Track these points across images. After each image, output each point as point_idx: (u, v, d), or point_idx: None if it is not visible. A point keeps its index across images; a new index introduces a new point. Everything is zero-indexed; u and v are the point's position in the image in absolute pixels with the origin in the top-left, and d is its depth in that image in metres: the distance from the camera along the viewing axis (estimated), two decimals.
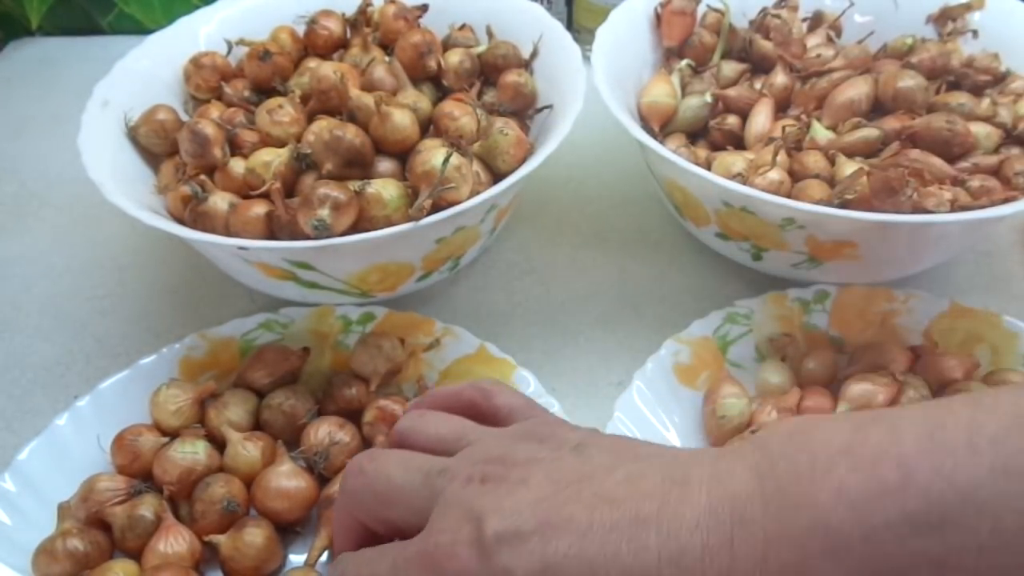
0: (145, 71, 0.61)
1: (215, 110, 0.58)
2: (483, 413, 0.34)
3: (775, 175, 0.52)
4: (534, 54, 0.62)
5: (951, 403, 0.24)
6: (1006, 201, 0.49)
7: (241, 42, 0.63)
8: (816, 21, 0.67)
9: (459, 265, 0.56)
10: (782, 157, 0.54)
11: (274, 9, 0.65)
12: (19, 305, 0.61)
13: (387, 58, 0.61)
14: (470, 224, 0.52)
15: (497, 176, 0.54)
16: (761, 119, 0.59)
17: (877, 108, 0.57)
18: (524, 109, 0.61)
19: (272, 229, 0.50)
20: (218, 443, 0.47)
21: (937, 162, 0.52)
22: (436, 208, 0.48)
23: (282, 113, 0.55)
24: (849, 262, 0.51)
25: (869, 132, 0.54)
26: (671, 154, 0.51)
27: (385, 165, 0.53)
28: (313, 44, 0.63)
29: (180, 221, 0.53)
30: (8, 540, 0.43)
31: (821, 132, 0.56)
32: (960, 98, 0.56)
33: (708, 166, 0.56)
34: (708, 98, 0.61)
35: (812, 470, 0.23)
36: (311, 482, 0.45)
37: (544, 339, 0.57)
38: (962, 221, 0.47)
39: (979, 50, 0.62)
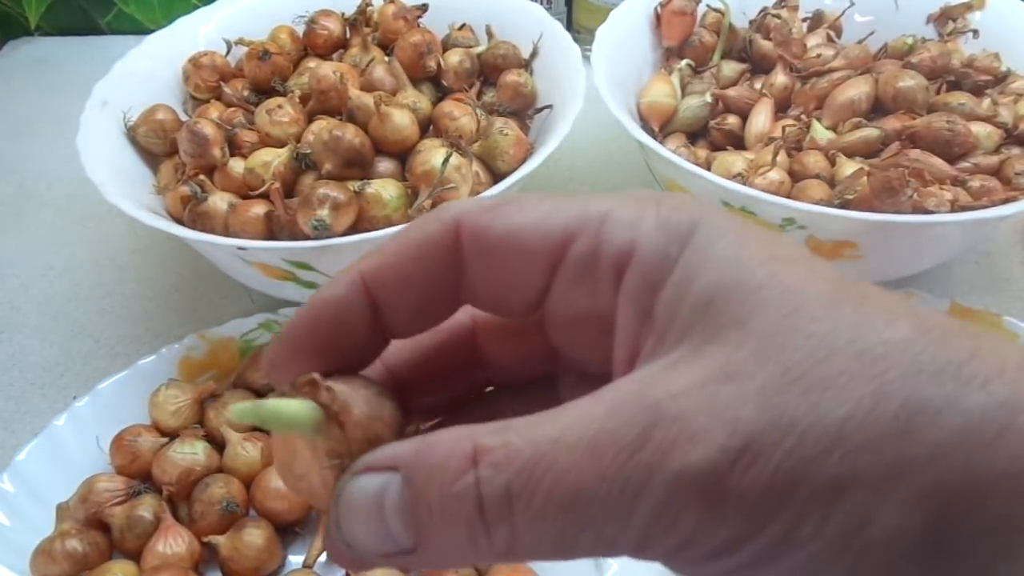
0: (144, 71, 0.61)
1: (214, 110, 0.58)
2: None
3: (775, 175, 0.52)
4: (534, 54, 0.62)
5: None
6: (1006, 201, 0.49)
7: (240, 42, 0.63)
8: (816, 21, 0.67)
9: None
10: (782, 157, 0.54)
11: (273, 9, 0.65)
12: (18, 305, 0.61)
13: (387, 58, 0.60)
14: None
15: (497, 176, 0.54)
16: (761, 119, 0.58)
17: (877, 108, 0.57)
18: (524, 109, 0.61)
19: (272, 229, 0.50)
20: (217, 443, 0.47)
21: (937, 162, 0.51)
22: (436, 208, 0.48)
23: (282, 113, 0.55)
24: (849, 262, 0.51)
25: (869, 132, 0.54)
26: (671, 154, 0.51)
27: (385, 165, 0.53)
28: (312, 44, 0.63)
29: (179, 221, 0.53)
30: (7, 541, 0.43)
31: (821, 132, 0.56)
32: (960, 98, 0.56)
33: (708, 166, 0.56)
34: (708, 98, 0.61)
35: None
36: None
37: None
38: (962, 221, 0.47)
39: (979, 50, 0.62)
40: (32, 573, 0.42)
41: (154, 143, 0.57)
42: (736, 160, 0.55)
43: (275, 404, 0.17)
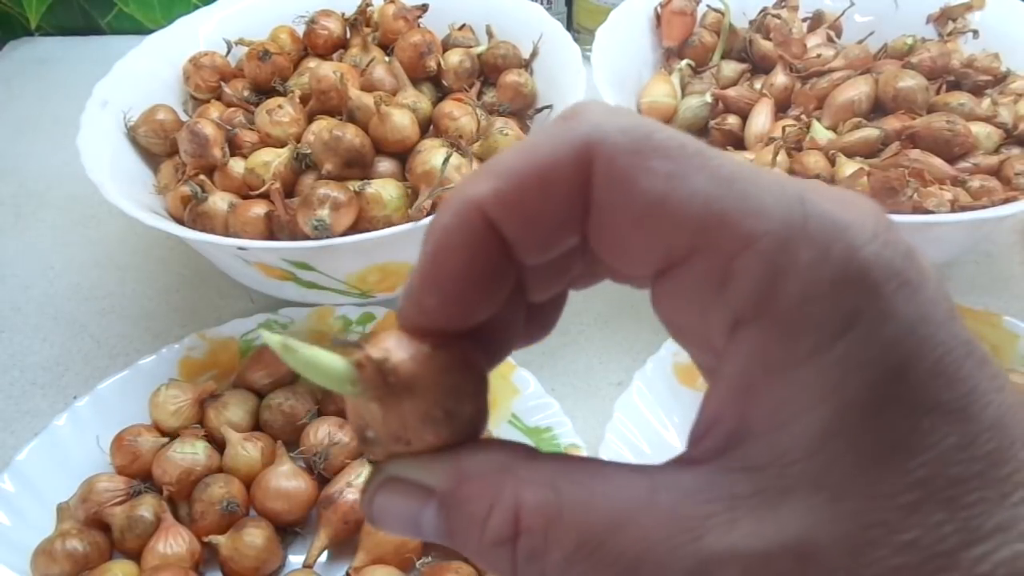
0: (145, 71, 0.61)
1: (215, 110, 0.58)
2: None
3: None
4: (534, 54, 0.62)
5: None
6: (1006, 201, 0.49)
7: (241, 42, 0.63)
8: (816, 21, 0.67)
9: None
10: (782, 157, 0.54)
11: (274, 9, 0.65)
12: (18, 305, 0.61)
13: (387, 58, 0.60)
14: None
15: None
16: (761, 119, 0.58)
17: (877, 108, 0.57)
18: (524, 109, 0.61)
19: (272, 229, 0.50)
20: (218, 443, 0.47)
21: (937, 162, 0.51)
22: (436, 208, 0.48)
23: (282, 113, 0.55)
24: None
25: (869, 132, 0.54)
26: None
27: (385, 165, 0.53)
28: (313, 44, 0.63)
29: (180, 221, 0.53)
30: (7, 541, 0.43)
31: (821, 132, 0.56)
32: (960, 98, 0.56)
33: None
34: (708, 98, 0.61)
35: None
36: (311, 482, 0.45)
37: (544, 339, 0.57)
38: (962, 221, 0.47)
39: (979, 50, 0.62)
40: (32, 573, 0.42)
41: (154, 143, 0.57)
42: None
43: (309, 351, 0.16)
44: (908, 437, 0.13)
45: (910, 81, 0.56)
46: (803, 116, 0.58)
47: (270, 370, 0.50)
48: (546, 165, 0.15)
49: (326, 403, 0.50)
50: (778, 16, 0.64)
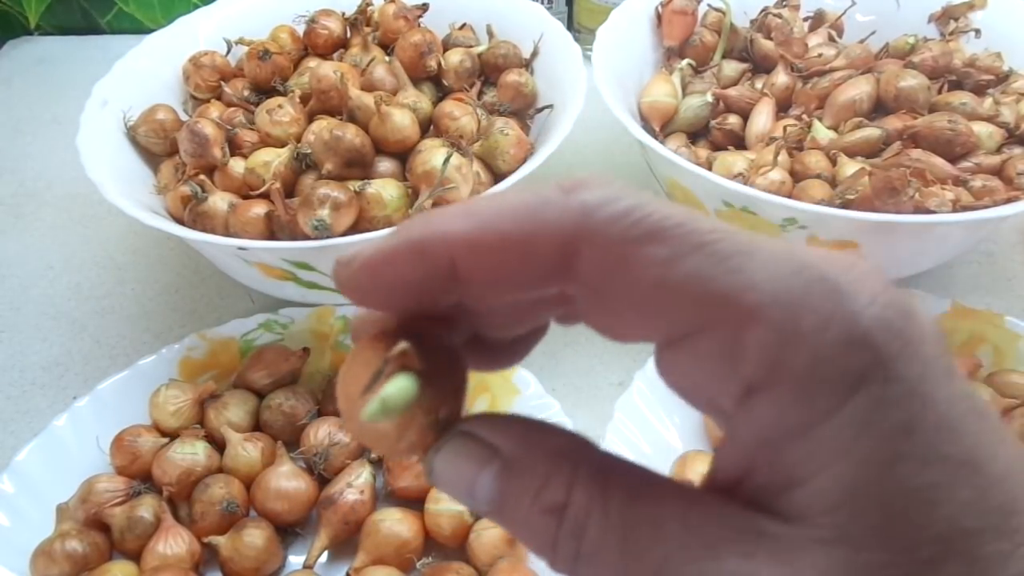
0: (145, 71, 0.61)
1: (215, 110, 0.58)
2: None
3: (776, 175, 0.52)
4: (534, 54, 0.62)
5: None
6: (1008, 201, 0.49)
7: (241, 41, 0.63)
8: (817, 20, 0.67)
9: None
10: (783, 157, 0.54)
11: (274, 9, 0.65)
12: (17, 305, 0.61)
13: (387, 58, 0.60)
14: None
15: (497, 176, 0.54)
16: (762, 119, 0.58)
17: (879, 108, 0.57)
18: (524, 109, 0.61)
19: (272, 229, 0.50)
20: (218, 444, 0.47)
21: (939, 162, 0.51)
22: (436, 208, 0.48)
23: (282, 113, 0.55)
24: None
25: (871, 132, 0.54)
26: (672, 154, 0.51)
27: (385, 165, 0.53)
28: (313, 44, 0.63)
29: (180, 221, 0.53)
30: (7, 541, 0.43)
31: (822, 132, 0.56)
32: (962, 98, 0.56)
33: (709, 166, 0.55)
34: (709, 98, 0.61)
35: None
36: (311, 483, 0.45)
37: (544, 339, 0.57)
38: (964, 221, 0.47)
39: (981, 49, 0.62)
40: (32, 573, 0.42)
41: (154, 143, 0.57)
42: (737, 160, 0.55)
43: (388, 395, 0.16)
44: (924, 492, 0.14)
45: (912, 81, 0.56)
46: (804, 116, 0.58)
47: (270, 370, 0.50)
48: (530, 231, 0.15)
49: (326, 403, 0.49)
50: (779, 15, 0.64)
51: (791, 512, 0.15)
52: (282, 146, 0.54)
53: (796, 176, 0.53)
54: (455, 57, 0.61)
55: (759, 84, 0.61)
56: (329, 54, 0.63)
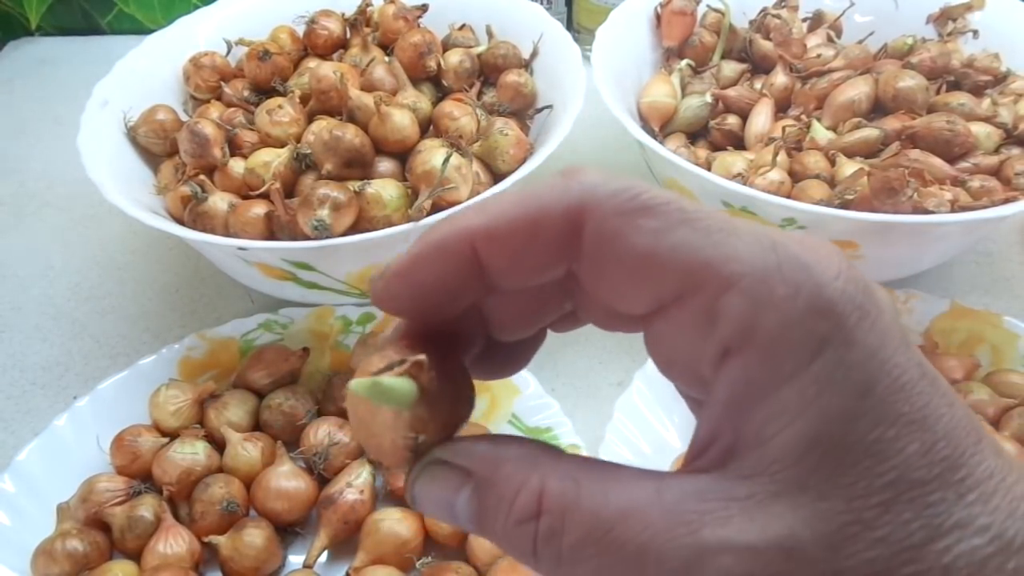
0: (145, 71, 0.61)
1: (215, 110, 0.58)
2: None
3: (775, 175, 0.52)
4: (534, 54, 0.62)
5: None
6: (1007, 201, 0.49)
7: (241, 42, 0.63)
8: (816, 21, 0.67)
9: None
10: (782, 157, 0.54)
11: (274, 9, 0.65)
12: (18, 305, 0.61)
13: (387, 58, 0.60)
14: None
15: (497, 176, 0.54)
16: (761, 119, 0.58)
17: (877, 108, 0.57)
18: (524, 109, 0.61)
19: (272, 229, 0.50)
20: (218, 444, 0.47)
21: (937, 162, 0.51)
22: (436, 208, 0.48)
23: (282, 113, 0.55)
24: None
25: (869, 132, 0.54)
26: (671, 154, 0.51)
27: (385, 165, 0.53)
28: (313, 44, 0.63)
29: (180, 221, 0.53)
30: (7, 541, 0.43)
31: (821, 132, 0.56)
32: (960, 98, 0.56)
33: (708, 166, 0.56)
34: (708, 98, 0.61)
35: None
36: (311, 482, 0.45)
37: (544, 340, 0.57)
38: (962, 221, 0.47)
39: (979, 50, 0.62)
40: (33, 573, 0.42)
41: (154, 143, 0.57)
42: (736, 160, 0.55)
43: (386, 383, 0.17)
44: (877, 445, 0.15)
45: (910, 81, 0.56)
46: (803, 116, 0.58)
47: (270, 370, 0.50)
48: (538, 214, 0.17)
49: (326, 403, 0.50)
50: (778, 16, 0.64)
51: (758, 470, 0.16)
52: (282, 146, 0.54)
53: (795, 176, 0.53)
54: (455, 57, 0.61)
55: (758, 84, 0.61)
56: (329, 54, 0.63)
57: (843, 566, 0.15)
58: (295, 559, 0.44)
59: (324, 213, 0.46)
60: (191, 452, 0.45)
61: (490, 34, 0.65)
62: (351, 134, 0.51)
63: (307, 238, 0.47)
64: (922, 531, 0.15)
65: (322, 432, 0.47)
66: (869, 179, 0.48)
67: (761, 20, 0.65)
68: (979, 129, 0.54)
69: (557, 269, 0.18)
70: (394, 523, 0.43)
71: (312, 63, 0.61)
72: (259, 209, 0.50)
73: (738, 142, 0.59)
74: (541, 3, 0.76)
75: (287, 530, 0.45)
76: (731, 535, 0.15)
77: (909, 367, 0.16)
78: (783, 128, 0.56)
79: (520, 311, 0.20)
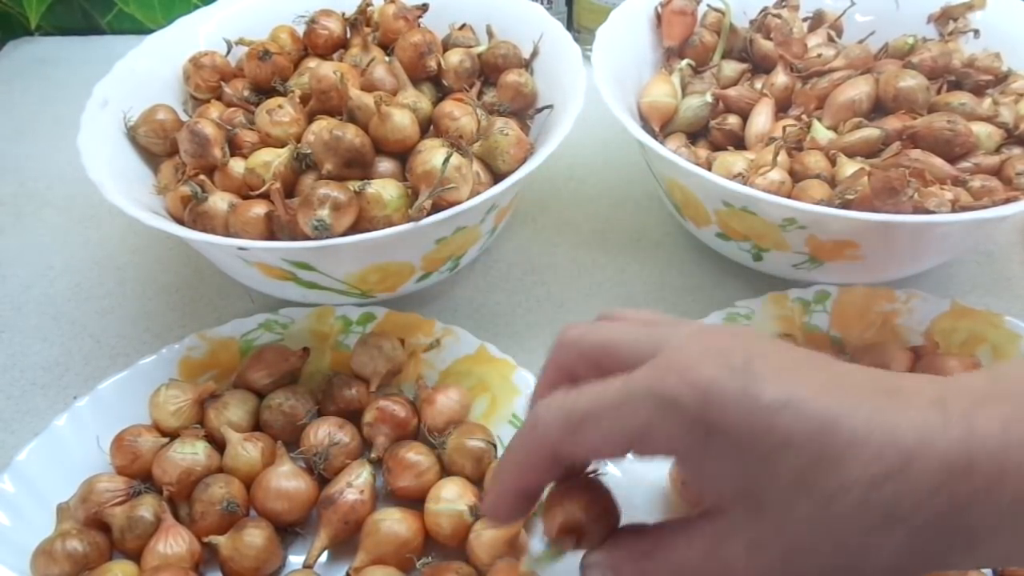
0: (145, 71, 0.61)
1: (215, 110, 0.58)
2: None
3: (776, 175, 0.52)
4: (534, 54, 0.62)
5: None
6: (1007, 201, 0.49)
7: (241, 42, 0.63)
8: (817, 21, 0.67)
9: (459, 265, 0.56)
10: (783, 157, 0.54)
11: (274, 9, 0.65)
12: (18, 305, 0.61)
13: (387, 58, 0.60)
14: (470, 224, 0.52)
15: (497, 176, 0.54)
16: (762, 119, 0.58)
17: (878, 108, 0.57)
18: (524, 109, 0.61)
19: (272, 229, 0.50)
20: (218, 444, 0.47)
21: (938, 162, 0.51)
22: (436, 208, 0.48)
23: (282, 113, 0.55)
24: (850, 262, 0.51)
25: (870, 132, 0.54)
26: (671, 154, 0.51)
27: (385, 165, 0.53)
28: (313, 44, 0.63)
29: (180, 221, 0.53)
30: (7, 541, 0.43)
31: (822, 132, 0.56)
32: (961, 98, 0.56)
33: (708, 166, 0.56)
34: (708, 98, 0.61)
35: None
36: (311, 482, 0.45)
37: (544, 339, 0.57)
38: (963, 221, 0.47)
39: (980, 50, 0.62)
40: (32, 573, 0.42)
41: (154, 143, 0.57)
42: (737, 160, 0.55)
43: (551, 559, 0.30)
44: (768, 467, 0.24)
45: (911, 81, 0.56)
46: (804, 116, 0.58)
47: (270, 370, 0.50)
48: (531, 463, 0.29)
49: (326, 403, 0.50)
50: (779, 16, 0.64)
51: (716, 512, 0.26)
52: (282, 146, 0.54)
53: (796, 176, 0.53)
54: (455, 57, 0.61)
55: (759, 84, 0.61)
56: (329, 54, 0.63)
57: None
58: (295, 559, 0.44)
59: (324, 213, 0.46)
60: (191, 452, 0.45)
61: (490, 34, 0.65)
62: (351, 134, 0.51)
63: (307, 238, 0.47)
64: (820, 506, 0.23)
65: (322, 432, 0.47)
66: (870, 179, 0.48)
67: (762, 20, 0.65)
68: (980, 129, 0.54)
69: (561, 470, 0.29)
70: (394, 523, 0.43)
71: (312, 63, 0.61)
72: (259, 209, 0.50)
73: (738, 142, 0.59)
74: (541, 3, 0.76)
75: (287, 530, 0.45)
76: (699, 553, 0.27)
77: (762, 416, 0.24)
78: (784, 128, 0.56)
79: None
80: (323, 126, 0.52)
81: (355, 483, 0.44)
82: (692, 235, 0.61)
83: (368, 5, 0.63)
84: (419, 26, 0.63)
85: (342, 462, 0.46)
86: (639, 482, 0.42)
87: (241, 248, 0.47)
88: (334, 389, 0.49)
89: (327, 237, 0.46)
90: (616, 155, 0.72)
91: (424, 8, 0.65)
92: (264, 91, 0.60)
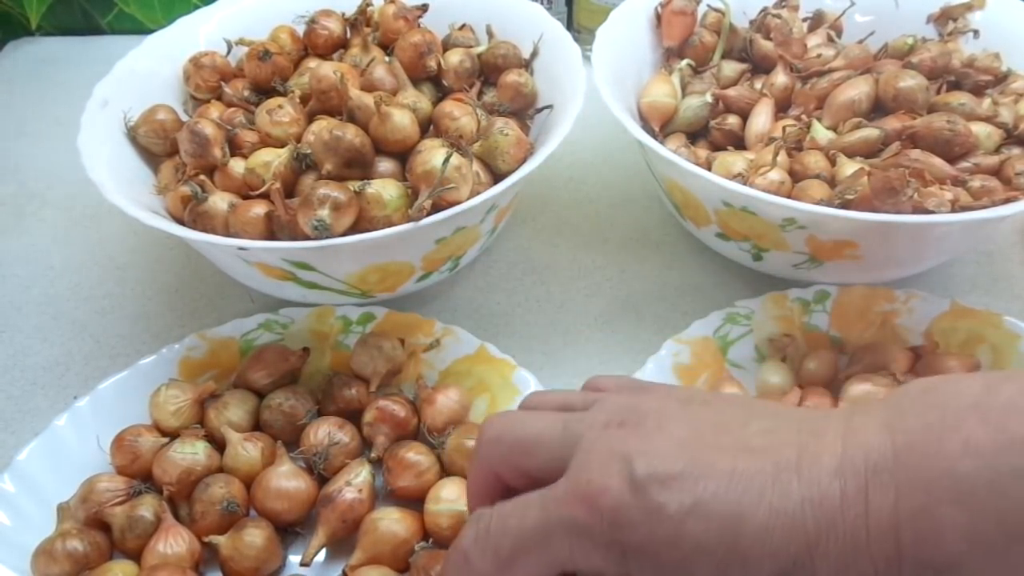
0: (145, 71, 0.61)
1: (215, 110, 0.58)
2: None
3: (776, 175, 0.52)
4: (534, 54, 0.62)
5: None
6: (1007, 201, 0.49)
7: (241, 42, 0.63)
8: (817, 21, 0.67)
9: (459, 265, 0.56)
10: (783, 157, 0.54)
11: (274, 9, 0.65)
12: (18, 305, 0.61)
13: (387, 58, 0.60)
14: (470, 224, 0.52)
15: (497, 176, 0.54)
16: (762, 119, 0.58)
17: (878, 108, 0.57)
18: (524, 109, 0.61)
19: (272, 229, 0.50)
20: (218, 444, 0.47)
21: (938, 162, 0.51)
22: (436, 208, 0.48)
23: (282, 113, 0.55)
24: (850, 262, 0.51)
25: (870, 132, 0.54)
26: (671, 154, 0.51)
27: (385, 165, 0.53)
28: (313, 44, 0.63)
29: (180, 221, 0.53)
30: (7, 541, 0.43)
31: (822, 132, 0.56)
32: (961, 98, 0.56)
33: (708, 166, 0.56)
34: (708, 98, 0.61)
35: (942, 423, 0.24)
36: (311, 482, 0.45)
37: (544, 339, 0.57)
38: (963, 221, 0.47)
39: (980, 50, 0.62)
40: (33, 573, 0.42)
41: (154, 143, 0.57)
42: (736, 160, 0.55)
43: None
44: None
45: (910, 81, 0.56)
46: (803, 116, 0.58)
47: (270, 370, 0.50)
48: (475, 488, 0.33)
49: (326, 403, 0.50)
50: (778, 16, 0.64)
51: None
52: (282, 146, 0.54)
53: (795, 176, 0.53)
54: (455, 57, 0.61)
55: (758, 84, 0.61)
56: (329, 54, 0.63)
57: None
58: (295, 559, 0.44)
59: (324, 213, 0.46)
60: (191, 452, 0.45)
61: (490, 34, 0.65)
62: (351, 134, 0.51)
63: (307, 238, 0.47)
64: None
65: (322, 432, 0.47)
66: (869, 179, 0.48)
67: (761, 20, 0.65)
68: (980, 129, 0.54)
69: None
70: (392, 523, 0.43)
71: (312, 63, 0.61)
72: (259, 209, 0.50)
73: (738, 142, 0.59)
74: (541, 3, 0.76)
75: (287, 530, 0.45)
76: None
77: (668, 527, 0.25)
78: (783, 128, 0.56)
79: None
80: (323, 126, 0.52)
81: (354, 482, 0.44)
82: (692, 235, 0.61)
83: (368, 5, 0.63)
84: (419, 26, 0.63)
85: (342, 462, 0.46)
86: None
87: (241, 248, 0.47)
88: (334, 389, 0.50)
89: (327, 237, 0.47)
90: (616, 155, 0.72)
91: (424, 8, 0.65)
92: (264, 91, 0.60)
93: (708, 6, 0.66)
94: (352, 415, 0.49)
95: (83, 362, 0.57)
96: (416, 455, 0.46)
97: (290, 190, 0.52)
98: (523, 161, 0.53)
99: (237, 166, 0.54)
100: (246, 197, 0.52)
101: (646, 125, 0.61)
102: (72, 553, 0.42)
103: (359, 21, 0.62)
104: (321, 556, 0.44)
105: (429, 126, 0.57)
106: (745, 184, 0.51)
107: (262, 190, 0.52)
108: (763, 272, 0.57)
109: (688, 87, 0.63)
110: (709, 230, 0.56)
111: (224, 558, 0.43)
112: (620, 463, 0.27)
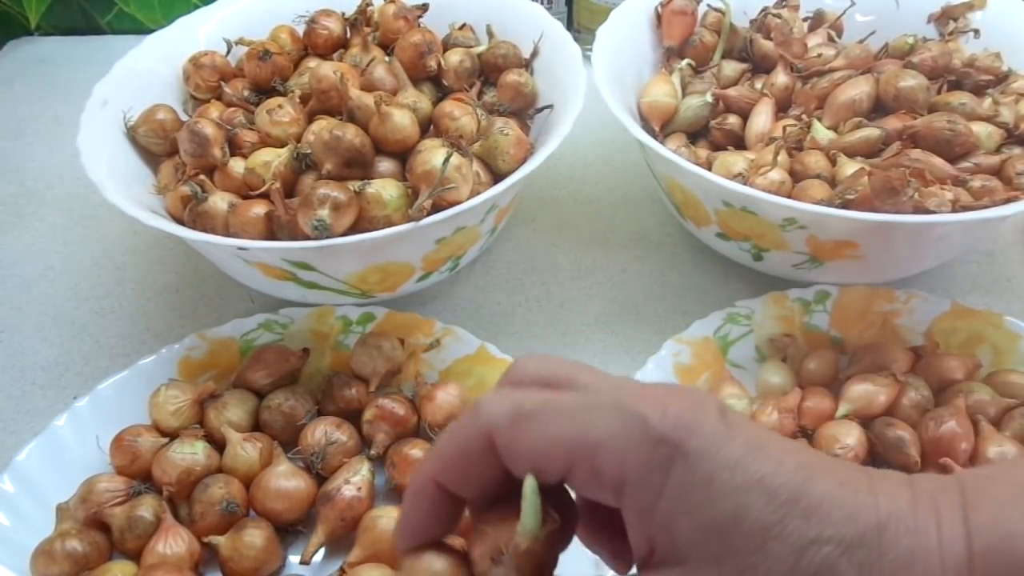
0: (145, 71, 0.61)
1: (215, 110, 0.58)
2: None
3: (776, 175, 0.52)
4: (534, 54, 0.62)
5: None
6: (1008, 201, 0.49)
7: (241, 42, 0.63)
8: (817, 20, 0.67)
9: (459, 265, 0.56)
10: (783, 157, 0.54)
11: (274, 9, 0.65)
12: (18, 305, 0.61)
13: (387, 58, 0.60)
14: (470, 224, 0.52)
15: (497, 176, 0.54)
16: (762, 119, 0.58)
17: (878, 108, 0.57)
18: (524, 109, 0.61)
19: (272, 229, 0.50)
20: (217, 444, 0.47)
21: (938, 162, 0.51)
22: (436, 208, 0.48)
23: (282, 113, 0.55)
24: (850, 262, 0.51)
25: (870, 132, 0.54)
26: (671, 154, 0.51)
27: (385, 165, 0.53)
28: (313, 44, 0.63)
29: (180, 221, 0.53)
30: (7, 541, 0.43)
31: (822, 132, 0.56)
32: (961, 98, 0.56)
33: (709, 166, 0.55)
34: (709, 98, 0.61)
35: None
36: (310, 482, 0.45)
37: (544, 339, 0.57)
38: (963, 221, 0.47)
39: (981, 49, 0.62)
40: (32, 573, 0.42)
41: (154, 143, 0.57)
42: (737, 160, 0.55)
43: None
44: (733, 511, 0.22)
45: (911, 81, 0.56)
46: (804, 116, 0.58)
47: (270, 370, 0.50)
48: (466, 445, 0.25)
49: (326, 403, 0.50)
50: (779, 16, 0.64)
51: (669, 561, 0.23)
52: (282, 146, 0.54)
53: (796, 176, 0.53)
54: (455, 57, 0.61)
55: (759, 84, 0.61)
56: (329, 54, 0.63)
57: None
58: (295, 559, 0.44)
59: (324, 213, 0.46)
60: (191, 452, 0.45)
61: (490, 34, 0.65)
62: (351, 134, 0.51)
63: (307, 238, 0.47)
64: (791, 555, 0.21)
65: (319, 432, 0.47)
66: (870, 179, 0.48)
67: (762, 20, 0.65)
68: (980, 129, 0.54)
69: (495, 473, 0.25)
70: (391, 520, 0.43)
71: (312, 63, 0.61)
72: (259, 209, 0.50)
73: (739, 142, 0.59)
74: (541, 3, 0.76)
75: (287, 530, 0.45)
76: None
77: (736, 447, 0.22)
78: (784, 128, 0.56)
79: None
80: (323, 126, 0.52)
81: (353, 480, 0.44)
82: (692, 235, 0.61)
83: (368, 5, 0.63)
84: (419, 26, 0.63)
85: (340, 461, 0.46)
86: None
87: (241, 248, 0.47)
88: (334, 389, 0.49)
89: (327, 237, 0.46)
90: (616, 155, 0.72)
91: (424, 8, 0.65)
92: (264, 91, 0.60)
93: (708, 6, 0.66)
94: (352, 415, 0.49)
95: (82, 362, 0.57)
96: (421, 451, 0.46)
97: (290, 190, 0.52)
98: (523, 161, 0.53)
99: (237, 166, 0.54)
100: (246, 197, 0.52)
101: (646, 125, 0.61)
102: (71, 553, 0.42)
103: (359, 21, 0.62)
104: (320, 554, 0.44)
105: (429, 126, 0.57)
106: (745, 184, 0.51)
107: (262, 190, 0.52)
108: (763, 272, 0.57)
109: (688, 87, 0.63)
110: (709, 230, 0.56)
111: (224, 558, 0.43)
112: (689, 394, 0.24)
